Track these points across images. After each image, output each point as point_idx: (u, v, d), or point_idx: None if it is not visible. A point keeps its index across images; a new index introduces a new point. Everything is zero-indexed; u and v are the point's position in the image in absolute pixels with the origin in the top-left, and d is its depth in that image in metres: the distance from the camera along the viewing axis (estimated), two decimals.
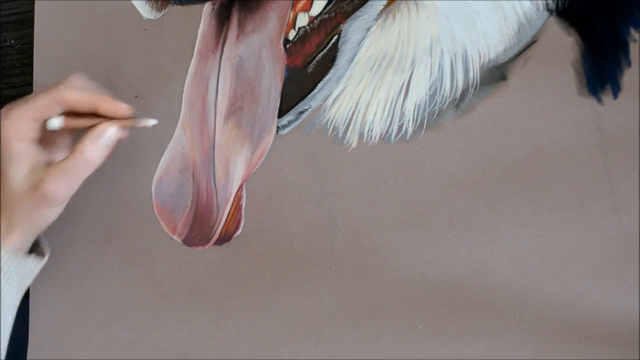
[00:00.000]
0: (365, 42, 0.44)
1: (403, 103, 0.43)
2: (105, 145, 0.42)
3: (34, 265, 0.45)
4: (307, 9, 0.45)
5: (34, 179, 0.41)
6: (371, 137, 0.44)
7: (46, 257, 0.46)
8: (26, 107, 0.41)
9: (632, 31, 0.39)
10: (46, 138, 0.43)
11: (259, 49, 0.46)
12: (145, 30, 0.50)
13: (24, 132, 0.41)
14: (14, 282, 0.43)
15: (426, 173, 0.43)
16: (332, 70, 0.45)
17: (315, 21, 0.45)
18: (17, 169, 0.41)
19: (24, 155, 0.41)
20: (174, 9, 0.49)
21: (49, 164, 0.42)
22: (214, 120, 0.47)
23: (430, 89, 0.43)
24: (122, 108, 0.42)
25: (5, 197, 0.41)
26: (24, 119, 0.41)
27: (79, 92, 0.41)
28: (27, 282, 0.45)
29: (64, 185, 0.41)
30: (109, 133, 0.42)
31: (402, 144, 0.44)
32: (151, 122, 0.43)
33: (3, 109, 0.41)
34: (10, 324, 0.44)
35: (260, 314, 0.46)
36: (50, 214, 0.43)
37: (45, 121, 0.42)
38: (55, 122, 0.42)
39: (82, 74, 0.44)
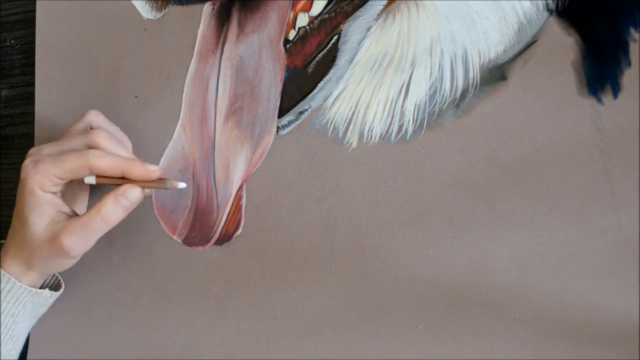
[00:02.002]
0: (365, 42, 0.44)
1: (403, 103, 0.43)
2: (125, 206, 0.43)
3: (49, 295, 0.47)
4: (307, 9, 0.45)
5: (53, 230, 0.42)
6: (371, 137, 0.44)
7: (61, 290, 0.48)
8: (55, 166, 0.42)
9: (632, 31, 0.39)
10: (68, 189, 0.46)
11: (259, 49, 0.46)
12: (145, 30, 0.50)
13: (49, 186, 0.42)
14: (28, 310, 0.46)
15: (426, 173, 0.43)
16: (332, 70, 0.45)
17: (315, 21, 0.45)
18: (39, 218, 0.42)
19: (47, 206, 0.42)
20: (174, 9, 0.49)
21: (68, 215, 0.44)
22: (214, 120, 0.47)
23: (430, 89, 0.43)
24: (151, 172, 0.43)
25: (25, 241, 0.43)
26: (51, 176, 0.42)
27: (109, 160, 0.42)
28: (41, 311, 0.48)
29: (79, 241, 0.42)
30: (131, 194, 0.43)
31: (402, 144, 0.44)
32: (181, 185, 0.44)
33: (30, 159, 0.42)
34: (21, 346, 0.47)
35: (260, 314, 0.46)
36: (65, 264, 0.45)
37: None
38: (91, 180, 0.43)
39: (98, 112, 0.46)
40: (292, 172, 0.46)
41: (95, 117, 0.46)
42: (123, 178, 0.43)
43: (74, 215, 0.44)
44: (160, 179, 0.43)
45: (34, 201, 0.42)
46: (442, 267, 0.42)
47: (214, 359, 0.47)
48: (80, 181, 0.44)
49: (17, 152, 0.55)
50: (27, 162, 0.42)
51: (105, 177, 0.43)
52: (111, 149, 0.44)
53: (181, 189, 0.47)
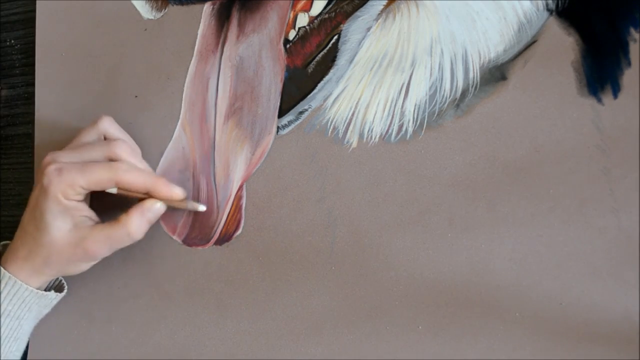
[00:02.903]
0: (366, 42, 0.44)
1: (403, 103, 0.43)
2: (150, 220, 0.44)
3: (54, 297, 0.47)
4: (307, 9, 0.45)
5: (78, 235, 0.43)
6: (371, 137, 0.44)
7: (64, 292, 0.49)
8: (82, 176, 0.42)
9: (632, 31, 0.39)
10: (89, 196, 0.46)
11: (259, 49, 0.46)
12: (145, 30, 0.50)
13: (72, 195, 0.43)
14: (33, 312, 0.46)
15: (426, 173, 0.43)
16: (332, 70, 0.45)
17: (315, 21, 0.45)
18: (63, 224, 0.43)
19: (72, 211, 0.43)
20: (174, 9, 0.49)
21: (91, 221, 0.45)
22: (214, 120, 0.47)
23: (430, 89, 0.43)
24: (176, 194, 0.44)
25: (42, 245, 0.44)
26: (76, 186, 0.42)
27: (136, 176, 0.43)
28: (44, 312, 0.48)
29: (104, 248, 0.44)
30: (156, 209, 0.44)
31: (402, 144, 0.44)
32: (201, 207, 0.45)
33: (54, 167, 0.43)
34: (24, 347, 0.48)
35: (260, 314, 0.46)
36: (84, 267, 0.46)
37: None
38: (113, 190, 0.44)
39: (111, 119, 0.47)
40: (292, 172, 0.46)
41: (109, 125, 0.47)
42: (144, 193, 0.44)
43: (96, 220, 0.45)
44: (182, 200, 0.45)
45: (58, 208, 0.43)
46: (442, 267, 0.42)
47: (213, 359, 0.47)
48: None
49: (17, 152, 0.55)
50: (51, 169, 0.42)
51: (127, 190, 0.44)
52: (134, 163, 0.44)
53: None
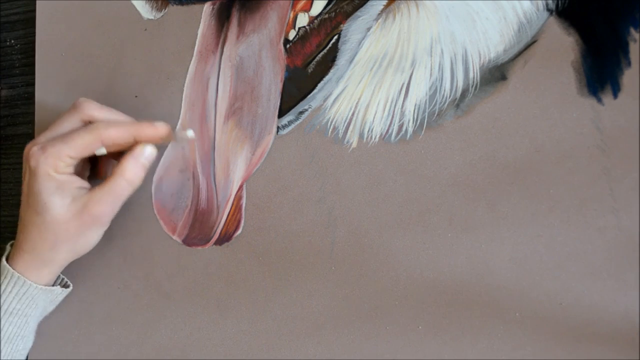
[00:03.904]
0: (365, 42, 0.44)
1: (403, 103, 0.43)
2: (145, 165, 0.43)
3: (60, 292, 0.47)
4: (307, 9, 0.45)
5: (78, 205, 0.43)
6: (371, 137, 0.44)
7: (70, 288, 0.49)
8: (66, 145, 0.42)
9: (632, 31, 0.39)
10: (80, 166, 0.46)
11: (259, 49, 0.46)
12: (145, 30, 0.50)
13: (63, 167, 0.42)
14: (39, 309, 0.46)
15: (426, 173, 0.43)
16: (332, 70, 0.45)
17: (315, 21, 0.45)
18: (61, 199, 0.42)
19: (66, 185, 0.43)
20: (174, 9, 0.49)
21: (87, 189, 0.44)
22: (214, 120, 0.47)
23: (430, 89, 0.43)
24: (161, 128, 0.43)
25: (46, 229, 0.43)
26: (63, 157, 0.42)
27: (118, 128, 0.43)
28: (50, 309, 0.48)
29: (108, 205, 0.43)
30: (147, 153, 0.43)
31: (402, 144, 0.44)
32: (189, 133, 0.44)
33: (37, 147, 0.42)
34: (30, 345, 0.48)
35: (260, 314, 0.46)
36: (94, 236, 0.45)
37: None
38: (102, 150, 0.43)
39: (89, 101, 0.45)
40: (292, 172, 0.46)
41: (92, 108, 0.45)
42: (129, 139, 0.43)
43: (91, 187, 0.44)
44: (169, 133, 0.44)
45: (52, 184, 0.42)
46: (442, 267, 0.42)
47: (213, 359, 0.47)
48: (85, 165, 0.45)
49: (17, 152, 0.55)
50: (34, 149, 0.42)
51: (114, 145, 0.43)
52: (109, 117, 0.44)
53: (183, 189, 0.47)
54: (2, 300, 0.44)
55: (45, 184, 0.42)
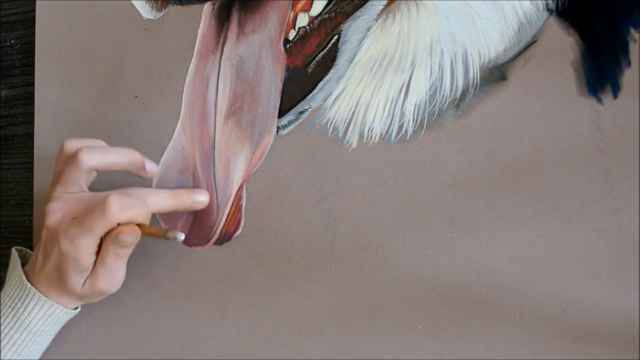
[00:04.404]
0: (366, 42, 0.44)
1: (403, 103, 0.43)
2: (127, 245, 0.43)
3: (77, 312, 0.48)
4: (307, 9, 0.45)
5: (90, 284, 0.44)
6: (371, 137, 0.44)
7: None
8: (90, 238, 0.42)
9: (632, 31, 0.39)
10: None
11: (259, 49, 0.46)
12: (145, 30, 0.50)
13: (89, 254, 0.43)
14: (59, 327, 0.47)
15: (426, 173, 0.43)
16: (332, 70, 0.45)
17: (315, 21, 0.45)
18: (80, 278, 0.44)
19: (87, 269, 0.44)
20: (174, 9, 0.49)
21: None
22: (214, 120, 0.47)
23: (430, 89, 0.43)
24: (198, 203, 0.46)
25: (62, 288, 0.45)
26: (90, 248, 0.42)
27: (127, 212, 0.42)
28: (63, 320, 0.48)
29: (109, 282, 0.44)
30: (126, 238, 0.42)
31: (402, 144, 0.44)
32: (180, 237, 0.43)
33: (63, 234, 0.42)
34: (42, 351, 0.48)
35: (260, 314, 0.46)
36: (109, 293, 0.46)
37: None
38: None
39: (83, 145, 0.44)
40: (292, 172, 0.46)
41: (91, 158, 0.44)
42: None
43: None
44: (160, 229, 0.43)
45: (78, 266, 0.43)
46: (442, 267, 0.42)
47: (213, 359, 0.47)
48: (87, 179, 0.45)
49: (17, 152, 0.55)
50: (61, 237, 0.42)
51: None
52: (109, 162, 0.44)
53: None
54: (28, 322, 0.45)
55: (71, 263, 0.43)
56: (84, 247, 0.42)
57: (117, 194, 0.42)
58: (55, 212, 0.43)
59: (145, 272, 0.49)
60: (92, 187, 0.46)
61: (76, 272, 0.43)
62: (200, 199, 0.45)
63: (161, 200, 0.44)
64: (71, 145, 0.45)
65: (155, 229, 0.43)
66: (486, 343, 0.41)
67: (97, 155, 0.44)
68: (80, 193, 0.44)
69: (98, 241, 0.43)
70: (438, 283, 0.42)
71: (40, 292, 0.45)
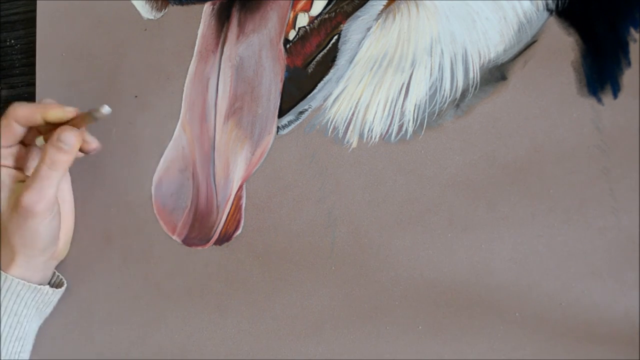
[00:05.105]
0: (366, 42, 0.44)
1: (403, 103, 0.43)
2: (66, 150, 0.43)
3: (52, 293, 0.47)
4: (307, 9, 0.45)
5: (14, 198, 0.43)
6: (371, 137, 0.44)
7: (64, 287, 0.48)
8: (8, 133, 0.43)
9: (632, 31, 0.39)
10: (21, 157, 0.46)
11: (259, 49, 0.46)
12: (145, 30, 0.50)
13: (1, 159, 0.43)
14: (33, 309, 0.45)
15: (426, 173, 0.43)
16: (332, 70, 0.45)
17: (316, 21, 0.45)
18: (2, 194, 0.43)
19: (5, 179, 0.44)
20: (174, 9, 0.49)
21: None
22: (214, 120, 0.47)
23: (430, 89, 0.43)
24: (68, 109, 0.44)
25: (2, 226, 0.44)
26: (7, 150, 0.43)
27: (26, 107, 0.44)
28: (47, 311, 0.48)
29: (36, 194, 0.42)
30: (67, 137, 0.43)
31: (402, 144, 0.44)
32: (105, 109, 0.42)
33: None
34: (30, 349, 0.47)
35: (260, 314, 0.46)
36: (38, 227, 0.44)
37: (18, 143, 0.46)
38: (40, 140, 0.45)
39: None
40: (292, 172, 0.46)
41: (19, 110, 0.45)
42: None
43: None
44: (87, 113, 0.44)
45: None
46: (442, 267, 0.42)
47: (213, 359, 0.47)
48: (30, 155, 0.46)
49: None
50: None
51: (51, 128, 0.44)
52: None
53: (183, 189, 0.47)
54: None
55: None
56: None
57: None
58: None
59: (145, 272, 0.49)
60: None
61: None
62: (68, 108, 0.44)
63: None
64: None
65: (82, 114, 0.44)
66: (486, 343, 0.41)
67: (24, 107, 0.45)
68: None
69: (4, 144, 0.43)
70: (438, 283, 0.42)
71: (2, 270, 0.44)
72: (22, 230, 0.43)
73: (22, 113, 0.44)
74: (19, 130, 0.44)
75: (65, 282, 0.49)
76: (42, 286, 0.46)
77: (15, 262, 0.44)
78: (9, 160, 0.44)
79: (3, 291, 0.44)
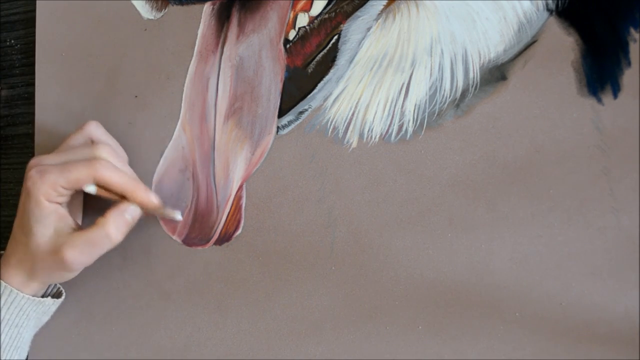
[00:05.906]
0: (366, 42, 0.44)
1: (403, 103, 0.43)
2: (128, 223, 0.43)
3: (52, 304, 0.47)
4: (307, 9, 0.45)
5: (57, 242, 0.42)
6: (371, 137, 0.44)
7: (62, 297, 0.48)
8: (62, 176, 0.42)
9: (632, 31, 0.39)
10: (72, 199, 0.46)
11: (259, 49, 0.46)
12: (145, 30, 0.50)
13: (54, 196, 0.42)
14: (32, 320, 0.46)
15: (426, 173, 0.43)
16: (332, 70, 0.45)
17: (315, 21, 0.45)
18: (44, 229, 0.42)
19: (52, 217, 0.43)
20: (174, 9, 0.49)
21: (72, 228, 0.44)
22: (214, 120, 0.47)
23: (430, 89, 0.43)
24: (152, 202, 0.44)
25: (29, 251, 0.43)
26: (57, 186, 0.42)
27: (116, 174, 0.43)
28: (44, 319, 0.48)
29: (81, 255, 0.43)
30: (133, 212, 0.44)
31: (402, 144, 0.44)
32: (177, 216, 0.45)
33: (36, 169, 0.42)
34: (25, 356, 0.47)
35: (260, 314, 0.46)
36: (67, 276, 0.45)
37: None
38: (92, 189, 0.43)
39: (98, 124, 0.46)
40: (292, 172, 0.46)
41: (95, 130, 0.46)
42: (122, 197, 0.44)
43: (78, 228, 0.44)
44: (158, 207, 0.45)
45: (40, 212, 0.42)
46: (442, 267, 0.42)
47: (213, 359, 0.47)
48: (78, 192, 0.44)
49: (17, 152, 0.55)
50: (33, 172, 0.42)
51: (106, 190, 0.43)
52: (114, 164, 0.44)
53: (183, 189, 0.47)
54: None
55: (34, 209, 0.42)
56: (51, 183, 0.41)
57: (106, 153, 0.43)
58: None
59: (145, 272, 0.49)
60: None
61: (37, 220, 0.42)
62: (152, 199, 0.44)
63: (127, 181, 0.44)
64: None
65: (154, 209, 0.44)
66: (486, 343, 0.41)
67: (104, 132, 0.46)
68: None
69: (68, 186, 0.42)
70: (438, 283, 0.42)
71: (2, 278, 0.44)
72: (52, 273, 0.44)
73: (109, 178, 0.42)
74: (89, 183, 0.43)
75: (63, 291, 0.49)
76: (44, 299, 0.46)
77: (30, 287, 0.45)
78: (62, 199, 0.43)
79: (7, 304, 0.44)
